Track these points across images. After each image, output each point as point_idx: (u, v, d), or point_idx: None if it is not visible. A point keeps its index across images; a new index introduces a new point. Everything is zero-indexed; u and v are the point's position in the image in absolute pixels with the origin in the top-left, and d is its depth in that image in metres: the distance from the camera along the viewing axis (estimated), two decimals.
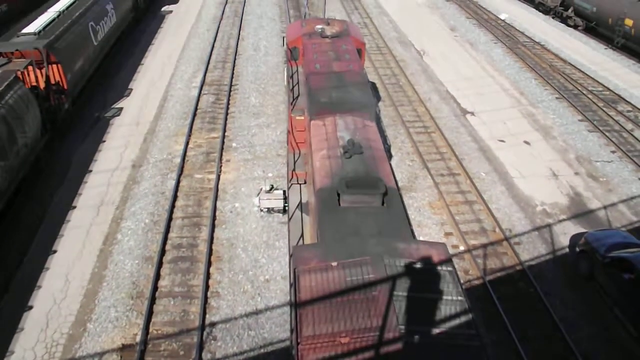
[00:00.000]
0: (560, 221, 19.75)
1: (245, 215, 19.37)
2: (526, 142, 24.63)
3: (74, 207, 19.77)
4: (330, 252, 10.74)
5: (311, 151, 15.25)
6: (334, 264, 10.40)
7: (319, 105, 16.58)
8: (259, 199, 19.24)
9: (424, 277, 10.22)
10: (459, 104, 27.84)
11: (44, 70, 22.46)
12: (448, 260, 10.63)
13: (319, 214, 12.68)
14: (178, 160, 22.33)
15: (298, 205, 16.81)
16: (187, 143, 23.53)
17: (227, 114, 26.04)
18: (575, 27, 40.68)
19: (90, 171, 21.88)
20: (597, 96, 29.10)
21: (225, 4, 43.75)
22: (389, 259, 10.49)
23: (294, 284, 10.15)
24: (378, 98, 28.18)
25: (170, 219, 19.03)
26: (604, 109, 27.74)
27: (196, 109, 26.44)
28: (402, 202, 15.38)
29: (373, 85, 29.37)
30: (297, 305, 9.69)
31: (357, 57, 19.84)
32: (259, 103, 27.20)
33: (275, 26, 37.95)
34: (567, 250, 18.36)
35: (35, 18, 25.41)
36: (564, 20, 42.02)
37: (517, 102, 28.32)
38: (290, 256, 12.48)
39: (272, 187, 19.44)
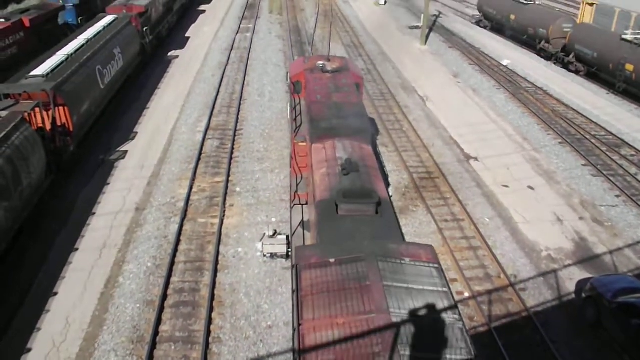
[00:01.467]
0: (565, 266, 19.59)
1: (248, 260, 19.28)
2: (530, 187, 24.59)
3: (77, 249, 19.72)
4: (328, 251, 11.93)
5: (312, 171, 16.54)
6: (332, 260, 11.58)
7: (319, 130, 17.98)
8: (262, 244, 19.16)
9: (413, 272, 11.37)
10: (462, 150, 27.91)
11: (50, 112, 22.64)
12: (435, 259, 11.89)
13: (319, 222, 13.91)
14: (181, 204, 22.33)
15: (300, 223, 17.45)
16: (190, 187, 23.58)
17: (231, 158, 26.14)
18: (577, 72, 41.02)
19: (94, 213, 21.88)
20: (600, 140, 29.17)
21: (231, 50, 44.32)
22: (382, 256, 11.54)
23: (296, 278, 11.31)
24: (377, 131, 28.81)
25: (172, 263, 18.94)
26: (608, 153, 27.79)
27: (200, 153, 26.55)
28: (395, 212, 16.28)
29: (372, 120, 29.48)
30: (298, 295, 10.85)
31: (356, 90, 21.33)
32: (263, 148, 27.32)
33: (280, 72, 38.32)
34: (573, 296, 18.16)
35: (44, 61, 25.76)
36: (565, 65, 42.41)
37: (521, 147, 28.38)
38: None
39: (275, 232, 19.36)
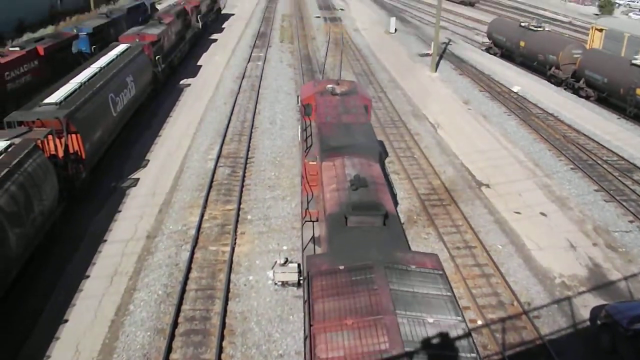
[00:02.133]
0: (580, 293, 19.39)
1: (260, 288, 19.19)
2: (542, 214, 24.45)
3: (88, 276, 19.70)
4: (338, 259, 12.61)
5: (322, 187, 17.18)
6: (341, 267, 12.26)
7: (329, 148, 18.81)
8: (274, 272, 19.09)
9: (418, 277, 11.97)
10: (473, 177, 27.84)
11: (63, 140, 22.80)
12: (439, 267, 12.52)
13: (329, 233, 14.50)
14: (193, 232, 22.32)
15: (311, 239, 18.27)
16: (202, 215, 23.58)
17: (242, 186, 26.17)
18: (587, 97, 41.06)
19: (105, 241, 21.91)
20: (612, 166, 29.07)
21: (242, 79, 44.64)
22: (388, 264, 12.18)
23: (307, 284, 12.01)
24: (385, 153, 29.50)
25: (183, 291, 18.87)
26: (620, 178, 27.67)
27: (212, 181, 26.61)
28: (401, 224, 16.73)
29: (381, 143, 29.81)
30: (309, 299, 11.48)
31: (364, 111, 22.40)
32: (274, 176, 27.36)
33: (291, 100, 38.50)
34: (588, 323, 17.94)
35: (58, 88, 26.02)
36: (575, 91, 42.46)
37: (532, 174, 28.29)
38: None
39: (286, 260, 19.30)
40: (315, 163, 19.55)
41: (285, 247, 21.43)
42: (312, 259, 13.17)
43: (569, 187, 26.89)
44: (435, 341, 10.30)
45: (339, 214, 14.78)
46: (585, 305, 18.75)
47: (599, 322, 17.14)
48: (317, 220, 18.85)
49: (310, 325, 10.80)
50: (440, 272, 12.32)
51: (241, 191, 25.70)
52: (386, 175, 20.56)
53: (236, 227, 22.82)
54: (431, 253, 13.53)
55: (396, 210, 16.40)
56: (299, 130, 25.41)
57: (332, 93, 23.84)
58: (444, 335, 10.42)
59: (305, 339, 10.93)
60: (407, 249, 14.25)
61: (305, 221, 19.10)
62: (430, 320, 10.81)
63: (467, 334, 10.50)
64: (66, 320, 17.55)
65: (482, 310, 18.14)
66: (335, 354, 10.02)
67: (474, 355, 10.05)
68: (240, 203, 24.68)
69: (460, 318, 10.91)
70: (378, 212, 14.42)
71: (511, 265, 20.85)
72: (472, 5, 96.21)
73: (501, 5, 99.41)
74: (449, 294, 11.59)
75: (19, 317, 17.61)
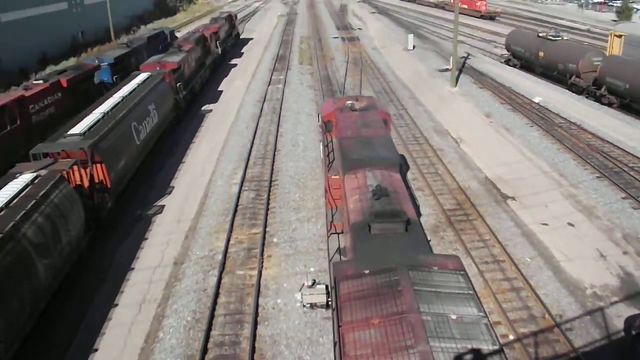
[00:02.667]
0: (612, 303, 19.09)
1: (288, 311, 19.16)
2: (570, 224, 24.19)
3: (116, 305, 19.83)
4: (363, 264, 13.17)
5: (346, 198, 17.70)
6: (366, 271, 12.80)
7: (351, 162, 19.23)
8: (302, 295, 19.05)
9: (440, 278, 12.41)
10: (499, 190, 27.66)
11: (88, 170, 23.08)
12: (461, 267, 13.01)
13: (353, 241, 15.03)
14: (219, 257, 22.39)
15: (337, 250, 18.80)
16: (228, 239, 23.66)
17: (267, 209, 26.24)
18: (610, 105, 40.73)
19: (132, 269, 22.05)
20: (638, 172, 28.70)
21: (263, 102, 44.94)
22: (411, 266, 12.65)
23: (335, 289, 12.59)
24: (407, 166, 30.52)
25: (212, 316, 18.89)
26: None
27: (237, 205, 26.72)
28: (423, 230, 17.17)
29: (402, 157, 30.67)
30: (337, 302, 12.04)
31: (383, 125, 22.83)
32: (299, 197, 27.41)
33: (312, 121, 38.62)
34: (622, 333, 17.60)
35: (81, 119, 26.38)
36: (597, 99, 42.17)
37: (558, 184, 28.03)
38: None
39: (314, 282, 19.27)
40: (338, 177, 20.30)
41: (312, 269, 21.40)
42: (338, 265, 13.80)
43: (596, 196, 26.60)
44: (458, 336, 10.73)
45: (363, 223, 15.20)
46: (619, 315, 18.45)
47: (633, 332, 16.82)
48: (342, 232, 19.29)
49: (339, 327, 11.32)
50: (462, 272, 12.81)
51: (266, 214, 25.77)
52: (408, 187, 20.85)
53: (262, 250, 22.86)
54: (453, 255, 14.46)
55: (418, 218, 17.08)
56: (321, 146, 26.17)
57: (352, 109, 24.32)
58: (466, 330, 10.90)
59: (334, 345, 11.45)
60: (429, 252, 14.64)
61: (331, 233, 19.69)
62: (453, 316, 11.23)
63: (489, 328, 10.99)
64: (96, 350, 17.64)
65: (513, 325, 17.93)
66: (363, 351, 10.49)
67: (496, 347, 10.48)
68: (265, 226, 24.74)
69: (482, 314, 11.36)
70: (400, 219, 14.86)
71: (541, 277, 20.62)
72: (492, 19, 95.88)
73: (518, 17, 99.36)
74: (470, 292, 12.07)
75: (48, 348, 17.73)
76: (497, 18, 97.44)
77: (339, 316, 11.63)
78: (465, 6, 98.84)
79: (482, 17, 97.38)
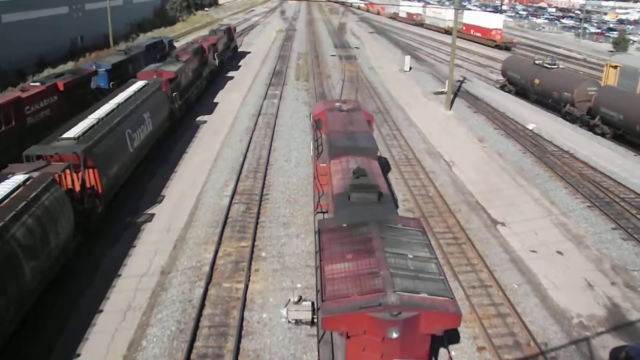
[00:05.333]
0: (598, 334, 19.09)
1: (273, 326, 19.06)
2: (559, 252, 24.24)
3: (101, 311, 19.66)
4: (342, 220, 16.70)
5: (331, 178, 21.12)
6: (344, 225, 16.28)
7: (336, 149, 22.90)
8: (287, 310, 18.97)
9: (403, 232, 15.88)
10: (489, 215, 27.71)
11: (80, 174, 23.00)
12: (420, 226, 16.79)
13: (335, 207, 18.53)
14: (207, 268, 22.30)
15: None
16: (216, 251, 23.58)
17: (257, 223, 26.18)
18: (603, 135, 41.02)
19: (119, 275, 21.91)
20: (629, 203, 28.87)
21: (258, 116, 44.98)
22: (380, 223, 16.06)
23: (318, 236, 16.20)
24: (388, 169, 33.38)
25: (196, 327, 18.78)
26: (638, 216, 27.45)
27: (227, 217, 26.65)
28: (395, 202, 22.90)
29: (386, 160, 34.47)
30: (320, 245, 15.50)
31: (366, 123, 26.81)
32: (289, 213, 27.37)
33: (306, 137, 38.64)
34: None
35: (76, 124, 26.36)
36: (591, 128, 42.47)
37: (548, 212, 28.12)
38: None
39: (300, 299, 19.20)
40: (325, 165, 23.50)
41: (299, 285, 21.34)
42: (322, 221, 17.62)
43: (586, 225, 26.68)
44: (412, 267, 14.07)
45: (344, 194, 18.76)
46: (605, 346, 18.44)
47: None
48: (327, 212, 22.58)
49: (321, 261, 14.71)
50: (421, 230, 16.39)
51: (255, 228, 25.71)
52: (384, 171, 24.18)
53: (250, 264, 22.78)
54: (415, 218, 20.74)
55: (390, 192, 21.45)
56: (312, 143, 30.00)
57: (340, 110, 28.30)
58: (419, 265, 14.26)
59: (316, 276, 15.24)
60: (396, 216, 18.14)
61: (317, 212, 22.91)
62: (410, 256, 14.57)
63: (438, 265, 14.53)
64: (78, 355, 17.47)
65: (498, 351, 17.88)
66: (338, 275, 13.80)
67: (441, 277, 14.03)
68: (254, 240, 24.67)
69: (433, 256, 14.90)
70: (374, 191, 18.47)
71: (527, 304, 20.61)
72: (507, 49, 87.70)
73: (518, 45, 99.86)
74: (426, 242, 15.55)
75: (32, 351, 17.55)
76: (512, 49, 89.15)
77: (320, 255, 14.92)
78: (479, 34, 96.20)
79: (497, 46, 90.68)
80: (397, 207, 22.11)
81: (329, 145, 23.60)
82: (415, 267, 13.89)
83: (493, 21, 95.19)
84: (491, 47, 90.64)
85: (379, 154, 24.71)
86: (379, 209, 17.54)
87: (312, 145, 29.53)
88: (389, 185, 27.14)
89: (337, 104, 29.42)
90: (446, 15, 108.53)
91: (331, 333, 15.23)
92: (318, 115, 27.98)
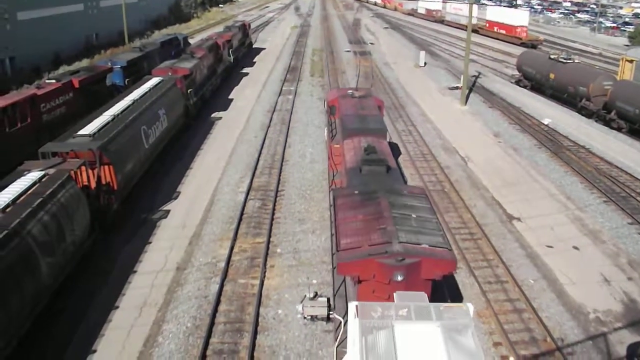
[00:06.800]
0: (615, 329, 18.96)
1: (289, 322, 19.10)
2: (575, 247, 24.10)
3: (117, 307, 19.81)
4: (354, 189, 18.39)
5: (344, 155, 22.75)
6: (356, 192, 17.96)
7: (349, 130, 24.69)
8: (303, 306, 18.98)
9: (408, 197, 17.51)
10: (504, 210, 27.58)
11: (96, 171, 23.13)
12: (423, 193, 18.59)
13: (348, 179, 20.33)
14: (222, 264, 22.37)
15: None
16: (232, 248, 23.65)
17: (272, 219, 26.22)
18: (619, 129, 40.64)
19: (135, 272, 22.05)
20: None
21: (273, 112, 45.02)
22: (388, 190, 17.67)
23: (333, 202, 17.88)
24: (398, 153, 35.20)
25: (212, 323, 18.86)
26: None
27: (242, 213, 26.72)
28: (402, 175, 25.43)
29: (395, 145, 36.14)
30: (335, 209, 17.32)
31: (377, 109, 28.81)
32: (304, 209, 27.40)
33: (321, 133, 38.61)
34: None
35: (91, 120, 26.53)
36: (607, 123, 42.07)
37: (564, 207, 27.95)
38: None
39: (315, 295, 19.20)
40: (338, 146, 24.72)
41: (314, 281, 21.36)
42: (336, 189, 19.85)
43: (602, 220, 26.51)
44: (415, 224, 15.69)
45: (355, 167, 20.52)
46: (622, 341, 18.33)
47: (636, 359, 16.72)
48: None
49: (336, 220, 16.56)
50: (425, 196, 18.12)
51: (271, 224, 25.75)
52: (392, 149, 25.14)
53: (266, 260, 22.83)
54: (420, 187, 24.42)
55: (398, 166, 24.05)
56: (325, 128, 32.08)
57: (352, 96, 30.28)
58: (421, 223, 15.86)
59: (332, 235, 17.68)
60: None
61: (332, 189, 23.26)
62: (414, 215, 16.16)
63: (438, 224, 16.13)
64: (94, 351, 17.60)
65: (514, 346, 17.82)
66: (351, 232, 15.51)
67: (440, 232, 15.61)
68: (270, 236, 24.72)
69: (435, 217, 16.53)
70: (383, 164, 20.22)
71: (543, 300, 20.51)
72: (534, 47, 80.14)
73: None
74: (428, 206, 17.22)
75: (47, 346, 17.69)
76: (538, 47, 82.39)
77: (335, 216, 16.74)
78: (503, 31, 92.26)
79: (522, 44, 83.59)
80: (404, 180, 24.99)
81: (342, 127, 25.45)
82: (418, 224, 15.65)
83: (518, 18, 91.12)
84: (516, 44, 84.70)
85: (389, 138, 26.88)
86: (387, 179, 19.37)
87: (325, 130, 31.75)
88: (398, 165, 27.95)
89: (350, 91, 31.63)
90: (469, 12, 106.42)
91: (344, 284, 16.76)
92: (332, 102, 29.85)
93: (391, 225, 15.20)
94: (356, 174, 20.02)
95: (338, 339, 14.01)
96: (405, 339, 10.54)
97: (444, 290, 17.21)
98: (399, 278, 13.96)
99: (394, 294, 13.34)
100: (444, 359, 10.08)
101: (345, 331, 13.14)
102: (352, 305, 11.65)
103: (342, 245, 15.01)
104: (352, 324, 11.46)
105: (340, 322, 14.26)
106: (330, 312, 18.44)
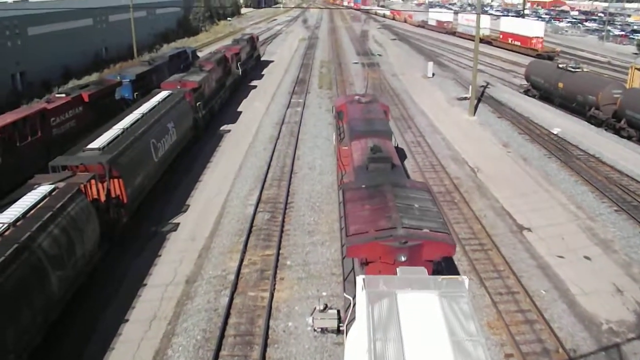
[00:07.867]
0: (629, 340, 18.79)
1: (299, 335, 19.04)
2: (586, 257, 23.95)
3: (126, 320, 19.80)
4: (361, 184, 19.60)
5: (352, 155, 23.93)
6: (363, 186, 19.20)
7: (357, 132, 25.90)
8: (313, 319, 18.88)
9: (411, 191, 18.81)
10: (515, 220, 27.47)
11: (105, 184, 23.20)
12: (426, 187, 20.08)
13: (355, 175, 21.41)
14: (232, 277, 22.35)
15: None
16: (241, 260, 23.63)
17: (282, 231, 26.21)
18: (629, 138, 40.46)
19: (145, 285, 22.05)
20: None
21: (282, 124, 45.10)
22: (393, 184, 18.82)
23: (342, 196, 18.90)
24: (404, 156, 36.32)
25: (222, 336, 18.82)
26: None
27: (251, 226, 26.71)
28: (406, 171, 27.49)
29: (402, 150, 37.10)
30: (344, 201, 18.35)
31: (383, 113, 30.22)
32: (313, 221, 27.37)
33: (330, 146, 38.63)
34: None
35: (101, 134, 26.60)
36: (617, 132, 41.90)
37: (575, 217, 27.81)
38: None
39: (326, 307, 19.09)
40: (347, 148, 25.88)
41: (324, 293, 21.31)
42: (345, 184, 21.39)
43: (614, 230, 26.34)
44: (417, 213, 16.86)
45: (362, 165, 21.70)
46: (635, 352, 18.17)
47: None
48: None
49: (345, 210, 17.66)
50: (427, 190, 19.43)
51: (280, 236, 25.74)
52: (397, 151, 26.61)
53: (275, 272, 22.79)
54: (423, 182, 27.00)
55: (402, 164, 26.13)
56: (334, 133, 33.51)
57: (359, 102, 31.54)
58: (423, 212, 17.06)
59: (340, 218, 18.02)
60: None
61: (340, 185, 24.06)
62: (417, 205, 17.36)
63: (439, 213, 17.46)
64: None
65: (526, 358, 17.70)
66: (358, 219, 16.74)
67: (441, 220, 16.89)
68: (279, 248, 24.70)
69: (436, 208, 17.68)
70: (388, 162, 21.37)
71: (555, 310, 20.37)
72: (550, 59, 76.76)
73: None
74: (430, 198, 18.39)
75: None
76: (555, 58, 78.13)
77: (344, 207, 17.85)
78: (518, 43, 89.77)
79: (538, 56, 78.73)
80: (408, 176, 27.21)
81: (350, 130, 26.76)
82: (420, 212, 16.96)
83: (533, 29, 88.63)
84: (532, 56, 78.32)
85: (395, 143, 28.50)
86: (392, 175, 20.50)
87: (334, 134, 33.22)
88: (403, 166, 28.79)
89: (357, 97, 33.13)
90: (481, 23, 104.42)
91: (352, 269, 17.65)
92: (340, 108, 31.52)
93: (395, 212, 16.47)
94: (363, 171, 21.27)
95: (348, 318, 14.64)
96: (406, 305, 11.66)
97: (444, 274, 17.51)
98: (403, 259, 15.26)
99: (397, 269, 14.16)
100: (441, 321, 11.15)
101: (354, 311, 13.78)
102: (359, 279, 12.66)
103: (351, 231, 16.27)
104: (359, 295, 12.53)
105: (350, 301, 15.10)
106: (341, 325, 18.36)
